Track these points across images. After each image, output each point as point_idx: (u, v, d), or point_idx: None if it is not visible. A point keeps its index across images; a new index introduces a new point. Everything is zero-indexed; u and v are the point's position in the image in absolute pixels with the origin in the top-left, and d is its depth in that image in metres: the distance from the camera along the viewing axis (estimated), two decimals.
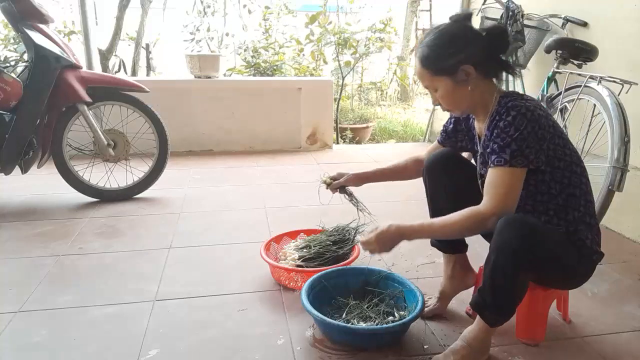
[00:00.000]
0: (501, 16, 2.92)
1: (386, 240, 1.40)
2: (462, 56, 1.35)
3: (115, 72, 6.00)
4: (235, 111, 4.07)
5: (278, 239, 2.13)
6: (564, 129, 2.34)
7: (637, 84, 2.07)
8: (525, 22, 2.92)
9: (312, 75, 5.87)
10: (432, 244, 1.73)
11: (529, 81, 3.08)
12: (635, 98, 2.16)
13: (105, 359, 1.48)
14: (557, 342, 1.58)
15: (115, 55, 6.12)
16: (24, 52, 2.62)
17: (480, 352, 1.42)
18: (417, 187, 1.78)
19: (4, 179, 2.78)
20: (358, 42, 5.71)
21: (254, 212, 2.70)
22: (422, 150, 1.81)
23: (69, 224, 2.50)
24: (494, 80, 1.43)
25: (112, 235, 2.38)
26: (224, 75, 5.13)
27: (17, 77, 2.53)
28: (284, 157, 3.95)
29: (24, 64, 2.63)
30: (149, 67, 6.71)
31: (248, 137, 4.13)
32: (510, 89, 2.91)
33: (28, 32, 2.49)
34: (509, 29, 2.84)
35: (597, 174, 2.10)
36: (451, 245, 1.68)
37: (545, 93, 2.56)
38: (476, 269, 1.72)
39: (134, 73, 6.42)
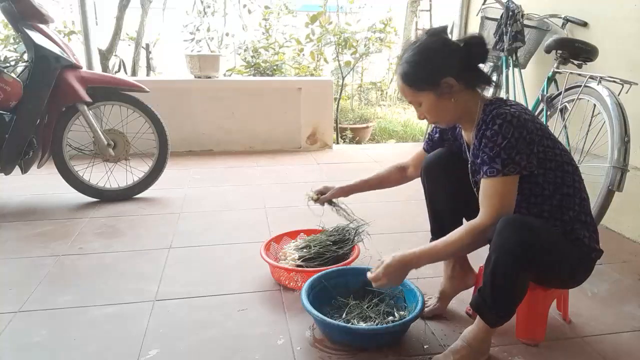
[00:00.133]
0: (501, 16, 2.93)
1: (393, 273, 1.41)
2: (442, 69, 1.37)
3: (115, 72, 6.00)
4: (235, 111, 4.07)
5: (278, 239, 2.13)
6: (564, 128, 2.35)
7: (637, 84, 2.07)
8: (525, 22, 2.93)
9: (312, 75, 5.87)
10: None
11: (529, 81, 3.08)
12: (635, 98, 2.16)
13: (105, 359, 1.48)
14: (557, 342, 1.58)
15: (115, 55, 6.11)
16: (24, 52, 2.62)
17: (480, 352, 1.42)
18: (416, 187, 1.78)
19: (4, 179, 2.78)
20: (358, 42, 5.71)
21: (254, 212, 2.70)
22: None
23: (69, 224, 2.50)
24: (478, 89, 1.44)
25: (112, 235, 2.38)
26: (224, 75, 5.14)
27: (17, 77, 2.53)
28: (284, 157, 3.95)
29: (24, 64, 2.63)
30: (149, 67, 6.71)
31: (248, 137, 4.13)
32: (511, 89, 2.91)
33: (28, 32, 2.49)
34: (509, 29, 2.85)
35: (597, 174, 2.10)
36: None
37: (545, 93, 2.56)
38: (476, 269, 1.72)
39: (134, 73, 6.41)
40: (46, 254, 2.16)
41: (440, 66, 1.37)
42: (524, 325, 1.56)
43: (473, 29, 3.89)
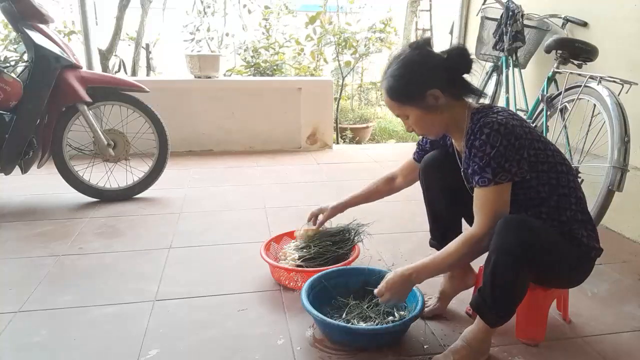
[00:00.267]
0: (501, 16, 2.92)
1: (396, 288, 1.43)
2: (427, 82, 1.37)
3: (115, 72, 6.00)
4: (235, 111, 4.07)
5: (278, 239, 2.13)
6: (564, 128, 2.35)
7: (637, 84, 2.07)
8: (525, 22, 2.93)
9: (312, 75, 5.87)
10: (431, 245, 1.73)
11: (529, 81, 3.08)
12: (635, 98, 2.16)
13: (105, 359, 1.48)
14: (557, 342, 1.58)
15: (115, 55, 6.12)
16: (24, 52, 2.62)
17: (480, 352, 1.42)
18: (416, 187, 1.78)
19: (4, 179, 2.78)
20: (358, 42, 5.72)
21: (254, 212, 2.70)
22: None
23: (69, 224, 2.50)
24: (464, 98, 1.44)
25: (112, 235, 2.38)
26: (224, 75, 5.14)
27: (17, 77, 2.53)
28: (284, 157, 3.95)
29: (24, 64, 2.63)
30: (149, 67, 6.72)
31: (248, 137, 4.13)
32: (511, 89, 2.91)
33: (28, 32, 2.49)
34: (509, 28, 2.85)
35: (597, 174, 2.10)
36: None
37: (545, 93, 2.56)
38: (476, 269, 1.72)
39: (134, 73, 6.42)
40: (46, 254, 2.16)
41: (424, 79, 1.38)
42: (524, 325, 1.56)
43: (473, 29, 3.89)
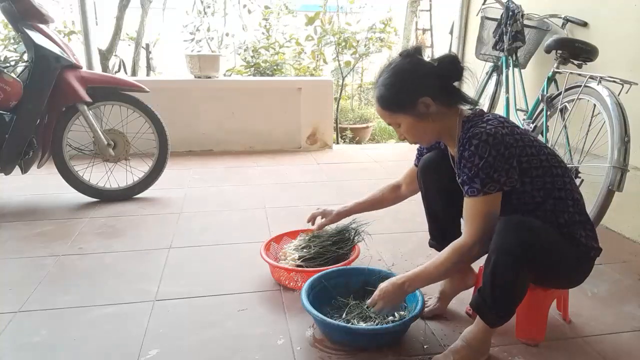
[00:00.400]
0: (501, 16, 2.92)
1: (389, 297, 1.45)
2: (417, 90, 1.38)
3: (115, 72, 6.01)
4: (235, 111, 4.07)
5: (278, 239, 2.13)
6: (564, 128, 2.35)
7: (637, 84, 2.07)
8: (525, 22, 2.93)
9: (312, 75, 5.88)
10: (431, 245, 1.74)
11: (529, 81, 3.08)
12: (635, 98, 2.16)
13: (105, 359, 1.48)
14: (557, 342, 1.58)
15: (115, 55, 6.12)
16: (24, 52, 2.62)
17: (480, 352, 1.42)
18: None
19: (4, 179, 2.78)
20: (358, 42, 5.72)
21: (254, 212, 2.70)
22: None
23: (69, 224, 2.50)
24: (456, 106, 1.44)
25: (112, 235, 2.38)
26: (224, 75, 5.14)
27: (17, 77, 2.53)
28: (284, 157, 3.95)
29: (24, 64, 2.63)
30: (149, 67, 6.72)
31: (248, 137, 4.13)
32: (511, 89, 2.91)
33: (28, 32, 2.49)
34: (509, 28, 2.85)
35: (597, 174, 2.10)
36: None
37: (545, 93, 2.55)
38: (476, 269, 1.72)
39: (134, 73, 6.42)
40: (46, 254, 2.16)
41: (415, 87, 1.39)
42: (524, 325, 1.56)
43: (473, 28, 3.89)
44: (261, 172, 3.53)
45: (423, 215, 1.74)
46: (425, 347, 1.54)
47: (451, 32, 4.28)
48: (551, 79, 2.63)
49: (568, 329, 1.66)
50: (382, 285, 1.47)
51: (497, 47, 2.95)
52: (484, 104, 3.33)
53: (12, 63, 2.72)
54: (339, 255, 1.96)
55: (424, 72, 1.40)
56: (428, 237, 1.75)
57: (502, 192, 1.34)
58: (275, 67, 5.64)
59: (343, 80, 6.00)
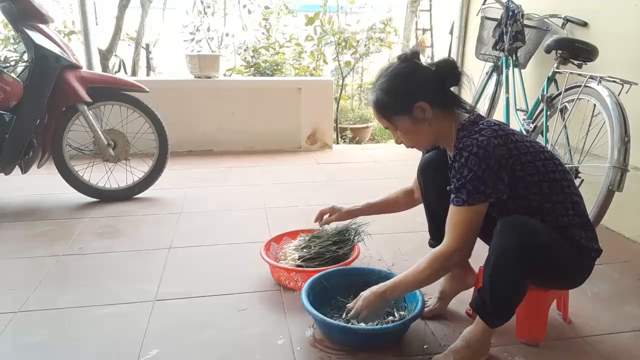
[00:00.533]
0: (501, 16, 2.92)
1: (371, 305, 1.46)
2: (414, 94, 1.38)
3: (115, 72, 6.01)
4: (235, 111, 4.07)
5: (278, 239, 2.13)
6: (564, 128, 2.35)
7: (637, 84, 2.06)
8: (525, 22, 2.93)
9: (312, 75, 5.87)
10: (431, 245, 1.73)
11: (529, 81, 3.08)
12: (635, 98, 2.16)
13: (105, 359, 1.48)
14: (557, 342, 1.58)
15: (115, 55, 6.12)
16: (24, 52, 2.62)
17: (480, 352, 1.42)
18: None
19: (4, 179, 2.78)
20: (358, 42, 5.71)
21: (254, 212, 2.70)
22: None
23: (69, 224, 2.50)
24: (453, 110, 1.44)
25: (112, 235, 2.38)
26: (224, 75, 5.14)
27: (17, 77, 2.53)
28: (284, 157, 3.95)
29: (24, 64, 2.63)
30: (149, 67, 6.72)
31: (248, 137, 4.13)
32: (511, 89, 2.91)
33: (28, 32, 2.49)
34: (509, 28, 2.85)
35: (597, 174, 2.10)
36: None
37: (545, 93, 2.55)
38: (476, 269, 1.72)
39: (134, 73, 6.42)
40: (46, 254, 2.16)
41: (412, 92, 1.39)
42: (524, 325, 1.56)
43: (473, 28, 3.89)
44: (261, 172, 3.53)
45: (423, 215, 1.74)
46: (425, 347, 1.54)
47: (451, 32, 4.28)
48: (551, 79, 2.63)
49: (568, 329, 1.66)
50: (364, 294, 1.48)
51: (497, 47, 2.95)
52: (484, 104, 3.33)
53: (12, 63, 2.72)
54: (339, 255, 1.96)
55: (421, 76, 1.41)
56: (428, 237, 1.75)
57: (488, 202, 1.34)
58: (275, 67, 5.64)
59: (343, 80, 6.00)
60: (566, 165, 2.20)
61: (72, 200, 2.82)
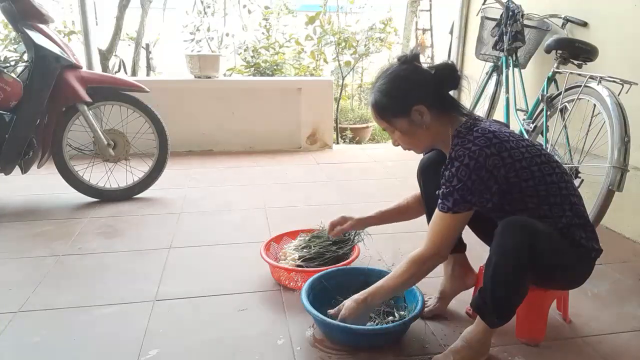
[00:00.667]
0: (501, 16, 2.92)
1: (355, 313, 1.47)
2: (412, 97, 1.39)
3: (115, 72, 6.00)
4: (235, 111, 4.07)
5: (278, 239, 2.13)
6: (564, 128, 2.35)
7: (637, 84, 2.07)
8: (525, 22, 2.93)
9: (312, 75, 5.87)
10: None
11: (529, 81, 3.08)
12: (635, 98, 2.16)
13: (105, 359, 1.48)
14: (557, 342, 1.58)
15: (115, 55, 6.12)
16: (24, 52, 2.62)
17: (480, 352, 1.42)
18: (416, 188, 1.78)
19: (4, 179, 2.78)
20: (358, 42, 5.71)
21: (254, 212, 2.70)
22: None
23: (69, 224, 2.50)
24: (452, 114, 1.44)
25: (112, 235, 2.38)
26: (224, 75, 5.14)
27: (17, 77, 2.53)
28: (284, 157, 3.95)
29: (24, 64, 2.63)
30: (149, 67, 6.72)
31: (248, 137, 4.13)
32: (511, 89, 2.91)
33: (28, 32, 2.49)
34: (509, 28, 2.85)
35: (597, 174, 2.10)
36: None
37: (545, 93, 2.55)
38: (476, 269, 1.72)
39: (134, 73, 6.42)
40: (46, 254, 2.16)
41: (410, 95, 1.39)
42: (524, 325, 1.56)
43: (473, 28, 3.89)
44: (261, 172, 3.53)
45: (423, 215, 1.74)
46: (425, 347, 1.54)
47: (451, 32, 4.28)
48: (551, 79, 2.63)
49: (568, 329, 1.66)
50: (347, 303, 1.49)
51: (497, 47, 2.95)
52: (484, 104, 3.33)
53: (12, 63, 2.71)
54: (339, 255, 1.96)
55: (420, 79, 1.41)
56: None
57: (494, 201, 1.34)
58: (275, 67, 5.64)
59: (343, 80, 6.00)
60: (566, 165, 2.22)
61: (72, 200, 2.82)
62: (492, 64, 3.26)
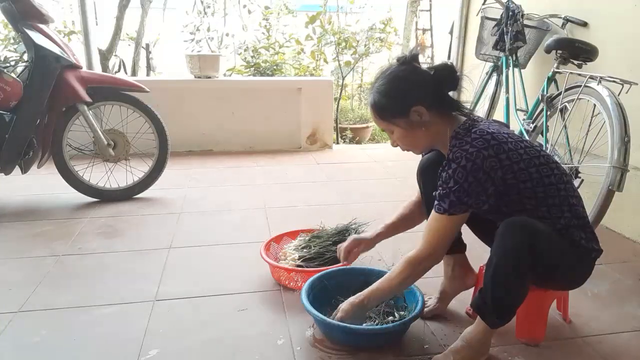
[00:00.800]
0: (501, 16, 2.92)
1: (353, 316, 1.48)
2: (411, 98, 1.39)
3: (115, 72, 6.00)
4: (235, 111, 4.07)
5: (278, 239, 2.13)
6: (564, 128, 2.35)
7: (637, 84, 2.06)
8: (526, 22, 2.93)
9: (312, 75, 5.87)
10: None
11: (529, 81, 3.08)
12: (635, 98, 2.16)
13: (105, 359, 1.48)
14: (557, 342, 1.58)
15: (115, 55, 6.11)
16: (24, 52, 2.62)
17: (480, 352, 1.42)
18: (416, 188, 1.78)
19: (4, 179, 2.78)
20: (358, 42, 5.71)
21: (254, 212, 2.70)
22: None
23: (69, 224, 2.50)
24: (451, 114, 1.44)
25: (112, 235, 2.38)
26: (224, 75, 5.14)
27: (17, 77, 2.53)
28: (284, 157, 3.95)
29: (24, 64, 2.63)
30: (149, 67, 6.71)
31: (248, 137, 4.13)
32: (511, 89, 2.91)
33: (28, 32, 2.49)
34: (509, 28, 2.85)
35: (597, 174, 2.10)
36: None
37: (545, 93, 2.55)
38: (476, 269, 1.72)
39: (134, 73, 6.41)
40: (46, 254, 2.16)
41: (409, 95, 1.39)
42: (524, 325, 1.56)
43: (473, 28, 3.89)
44: (261, 172, 3.53)
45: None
46: (425, 347, 1.54)
47: (451, 32, 4.28)
48: (551, 79, 2.63)
49: (568, 329, 1.66)
50: (343, 306, 1.50)
51: (498, 47, 2.95)
52: (484, 104, 3.33)
53: (12, 63, 2.71)
54: None
55: (419, 80, 1.41)
56: None
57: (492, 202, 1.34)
58: (275, 67, 5.64)
59: (343, 80, 6.00)
60: (566, 166, 2.22)
61: (72, 200, 2.82)
62: (492, 64, 3.26)
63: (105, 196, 2.84)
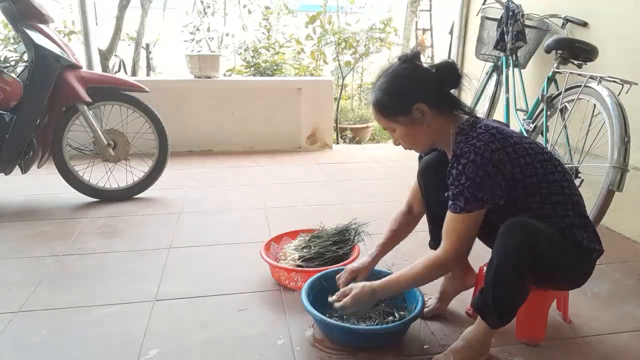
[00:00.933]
0: (501, 16, 2.92)
1: (362, 302, 1.46)
2: (413, 96, 1.38)
3: (115, 72, 6.00)
4: (235, 111, 4.07)
5: (278, 239, 2.13)
6: (564, 128, 2.35)
7: (637, 84, 2.06)
8: (526, 22, 2.93)
9: (312, 75, 5.87)
10: (431, 246, 1.73)
11: (529, 81, 3.08)
12: (635, 98, 2.16)
13: (105, 359, 1.48)
14: (557, 342, 1.58)
15: (115, 55, 6.11)
16: (24, 52, 2.62)
17: (480, 352, 1.42)
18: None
19: (4, 179, 2.78)
20: (358, 42, 5.71)
21: (254, 212, 2.70)
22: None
23: (69, 224, 2.50)
24: (452, 113, 1.43)
25: (112, 235, 2.38)
26: (224, 75, 5.14)
27: (17, 77, 2.53)
28: (284, 157, 3.95)
29: (24, 64, 2.63)
30: (149, 67, 6.71)
31: (248, 137, 4.13)
32: (511, 89, 2.91)
33: (28, 32, 2.49)
34: (510, 28, 2.85)
35: (597, 174, 2.10)
36: None
37: (545, 93, 2.55)
38: (476, 269, 1.72)
39: (134, 73, 6.41)
40: (46, 254, 2.16)
41: (411, 93, 1.39)
42: (524, 325, 1.56)
43: (473, 28, 3.89)
44: (261, 172, 3.53)
45: (419, 224, 1.74)
46: (425, 347, 1.54)
47: (451, 32, 4.28)
48: (551, 79, 2.63)
49: (568, 329, 1.66)
50: (356, 290, 1.46)
51: (499, 47, 2.95)
52: (484, 104, 3.33)
53: (12, 63, 2.72)
54: (339, 255, 1.96)
55: (420, 78, 1.40)
56: (428, 237, 1.75)
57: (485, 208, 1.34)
58: (275, 67, 5.63)
59: (343, 80, 6.00)
60: (566, 165, 2.21)
61: (72, 200, 2.82)
62: (492, 64, 3.26)
63: (105, 196, 2.84)
